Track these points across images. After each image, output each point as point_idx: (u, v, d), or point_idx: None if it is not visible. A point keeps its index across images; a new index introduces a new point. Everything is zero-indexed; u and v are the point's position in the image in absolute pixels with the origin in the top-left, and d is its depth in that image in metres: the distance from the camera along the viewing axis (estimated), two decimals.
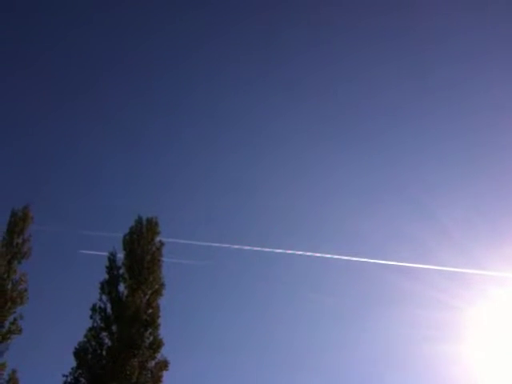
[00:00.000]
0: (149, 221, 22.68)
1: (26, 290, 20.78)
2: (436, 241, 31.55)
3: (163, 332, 20.72)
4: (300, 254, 31.78)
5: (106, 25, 40.12)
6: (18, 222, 21.81)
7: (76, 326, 21.65)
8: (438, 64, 38.63)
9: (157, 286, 21.33)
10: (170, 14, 39.32)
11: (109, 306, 20.70)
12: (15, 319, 20.18)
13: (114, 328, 20.31)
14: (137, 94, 42.38)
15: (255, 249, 32.14)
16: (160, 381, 19.91)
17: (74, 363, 19.64)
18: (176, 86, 41.47)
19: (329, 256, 31.21)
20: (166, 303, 21.68)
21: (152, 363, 20.09)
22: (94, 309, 20.56)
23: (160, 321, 20.77)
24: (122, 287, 21.11)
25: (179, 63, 41.82)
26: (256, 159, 41.45)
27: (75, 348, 19.84)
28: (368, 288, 34.41)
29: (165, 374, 20.11)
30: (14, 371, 19.97)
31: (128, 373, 19.42)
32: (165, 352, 20.40)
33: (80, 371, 19.51)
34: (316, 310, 34.41)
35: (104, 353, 19.89)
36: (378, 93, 39.99)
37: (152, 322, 20.55)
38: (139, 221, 22.63)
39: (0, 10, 36.42)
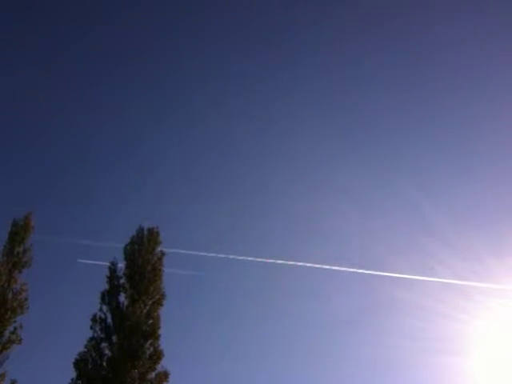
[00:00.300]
0: (150, 231, 22.60)
1: (26, 300, 20.68)
2: (438, 253, 31.44)
3: (163, 343, 20.63)
4: (300, 265, 31.71)
5: (110, 25, 40.31)
6: (19, 231, 21.76)
7: (76, 336, 21.54)
8: (437, 72, 38.87)
9: (157, 297, 21.19)
10: (174, 15, 39.49)
11: (109, 316, 20.59)
12: (15, 329, 20.04)
13: (114, 338, 20.19)
14: (138, 100, 42.49)
15: (256, 259, 32.06)
16: None
17: (74, 374, 19.55)
18: (178, 90, 41.62)
19: (330, 267, 31.12)
20: (167, 314, 21.61)
21: (152, 374, 19.91)
22: (94, 319, 20.45)
23: (160, 332, 20.64)
24: (122, 297, 21.02)
25: (182, 67, 41.90)
26: (256, 168, 41.51)
27: (75, 358, 19.73)
28: (368, 300, 34.29)
29: None
30: (13, 381, 19.84)
31: None
32: (165, 363, 20.29)
33: (80, 382, 19.37)
34: (316, 322, 34.29)
35: (104, 363, 19.76)
36: (380, 98, 40.13)
37: (152, 333, 20.39)
38: (140, 230, 22.56)
39: (3, 9, 36.64)
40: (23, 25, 37.86)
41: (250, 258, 31.99)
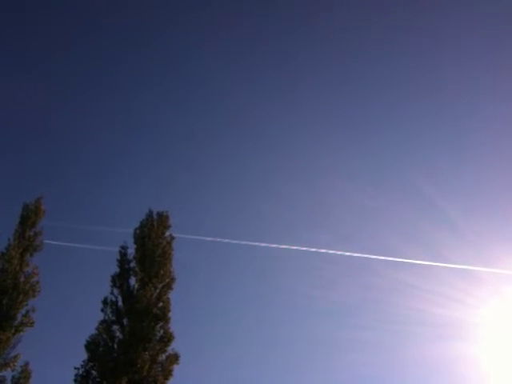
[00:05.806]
0: (159, 215, 22.65)
1: (38, 283, 20.89)
2: (448, 239, 31.36)
3: (174, 326, 20.69)
4: (314, 251, 31.74)
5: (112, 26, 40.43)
6: (30, 215, 21.89)
7: (87, 319, 21.69)
8: (445, 62, 38.66)
9: (167, 280, 21.24)
10: (173, 15, 39.59)
11: (120, 299, 20.69)
12: (27, 312, 20.30)
13: (125, 321, 20.29)
14: (145, 91, 42.71)
15: (267, 245, 32.15)
16: (171, 374, 19.84)
17: (85, 356, 19.65)
18: (182, 83, 41.78)
19: (339, 253, 31.12)
20: (177, 297, 21.68)
21: (163, 357, 20.02)
22: (105, 302, 20.56)
23: (170, 314, 20.70)
24: (133, 281, 21.10)
25: (185, 62, 42.08)
26: (260, 156, 41.80)
27: (87, 341, 19.83)
28: (379, 286, 34.29)
29: (175, 367, 20.08)
30: (26, 363, 20.09)
31: (139, 366, 19.35)
32: (175, 346, 20.39)
33: (91, 364, 19.48)
34: (323, 308, 34.42)
35: (115, 346, 19.87)
36: (383, 89, 40.06)
37: (163, 316, 20.46)
38: (150, 215, 22.60)
39: (7, 9, 36.71)
40: (22, 23, 38.05)
41: (258, 244, 32.08)
